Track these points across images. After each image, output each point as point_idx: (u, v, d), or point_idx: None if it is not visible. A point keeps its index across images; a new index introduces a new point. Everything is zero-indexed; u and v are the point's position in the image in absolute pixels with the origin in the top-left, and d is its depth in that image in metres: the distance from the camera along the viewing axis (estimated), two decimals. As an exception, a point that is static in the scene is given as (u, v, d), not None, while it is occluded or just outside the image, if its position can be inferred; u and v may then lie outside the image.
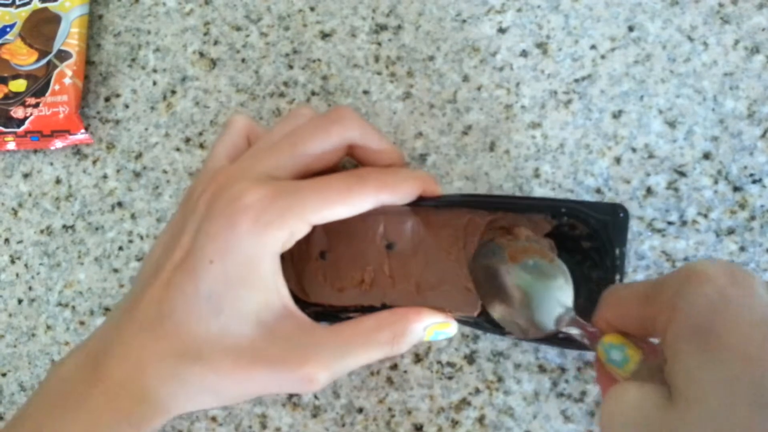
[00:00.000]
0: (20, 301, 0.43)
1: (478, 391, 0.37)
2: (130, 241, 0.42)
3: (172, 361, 0.30)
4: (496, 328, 0.34)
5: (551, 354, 0.37)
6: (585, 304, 0.35)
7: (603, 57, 0.39)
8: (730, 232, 0.36)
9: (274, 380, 0.30)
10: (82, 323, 0.42)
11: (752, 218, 0.36)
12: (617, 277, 0.33)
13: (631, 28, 0.39)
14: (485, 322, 0.34)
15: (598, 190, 0.38)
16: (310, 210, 0.30)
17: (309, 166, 0.32)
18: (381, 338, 0.31)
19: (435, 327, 0.33)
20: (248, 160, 0.32)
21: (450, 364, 0.37)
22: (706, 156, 0.37)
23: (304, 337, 0.31)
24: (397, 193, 0.32)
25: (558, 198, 0.38)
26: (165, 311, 0.30)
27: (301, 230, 0.31)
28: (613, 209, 0.34)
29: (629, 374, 0.27)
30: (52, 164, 0.45)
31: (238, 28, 0.44)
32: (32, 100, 0.43)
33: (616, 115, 0.38)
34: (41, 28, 0.44)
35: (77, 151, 0.44)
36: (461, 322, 0.34)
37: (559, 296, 0.31)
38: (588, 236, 0.35)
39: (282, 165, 0.32)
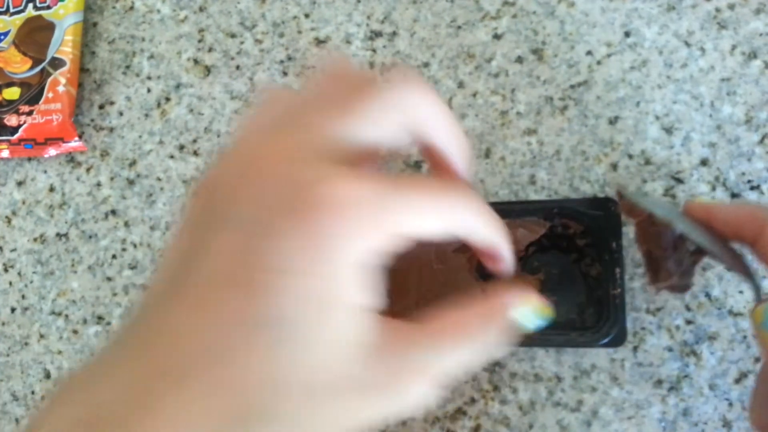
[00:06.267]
0: (13, 310, 0.43)
1: (473, 400, 0.36)
2: (124, 250, 0.42)
3: (232, 425, 0.21)
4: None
5: (547, 363, 0.36)
6: (586, 300, 0.35)
7: (599, 63, 0.39)
8: (728, 239, 0.36)
9: (375, 412, 0.23)
10: (75, 332, 0.42)
11: (750, 225, 0.36)
12: (617, 270, 0.33)
13: (627, 34, 0.39)
14: None
15: (595, 197, 0.37)
16: (408, 220, 0.23)
17: (365, 150, 0.24)
18: (475, 336, 0.25)
19: (531, 310, 0.26)
20: (299, 132, 0.24)
21: (445, 374, 0.37)
22: (704, 162, 0.37)
23: (396, 350, 0.23)
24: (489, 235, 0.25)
25: (549, 199, 0.38)
26: (212, 351, 0.21)
27: (394, 243, 0.23)
28: (604, 203, 0.34)
29: None
30: (45, 172, 0.44)
31: (233, 35, 0.44)
32: (26, 108, 0.43)
33: (613, 122, 0.38)
34: (35, 35, 0.44)
35: (71, 158, 0.44)
36: None
37: None
38: (582, 233, 0.35)
39: (343, 143, 0.23)
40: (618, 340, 0.33)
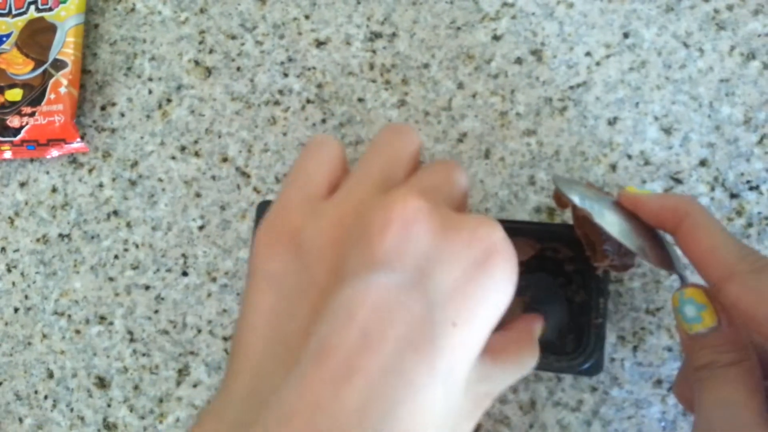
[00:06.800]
0: (16, 310, 0.43)
1: (473, 400, 0.37)
2: (126, 250, 0.42)
3: None
4: None
5: (547, 363, 0.36)
6: (568, 326, 0.35)
7: (598, 64, 0.39)
8: (727, 239, 0.36)
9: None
10: (77, 332, 0.42)
11: (749, 225, 0.36)
12: (601, 300, 0.33)
13: (626, 35, 0.39)
14: None
15: (594, 198, 0.38)
16: None
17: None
18: (525, 359, 0.27)
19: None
20: (420, 183, 0.25)
21: (445, 373, 0.37)
22: (703, 163, 0.37)
23: (481, 380, 0.24)
24: None
25: (542, 222, 0.38)
26: (367, 418, 0.19)
27: None
28: None
29: (690, 333, 0.27)
30: (48, 173, 0.45)
31: (233, 37, 0.44)
32: (28, 110, 0.43)
33: (612, 122, 0.38)
34: (37, 37, 0.44)
35: (73, 159, 0.44)
36: None
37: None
38: (571, 259, 0.34)
39: (458, 196, 0.26)
40: (594, 370, 0.33)
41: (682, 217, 0.27)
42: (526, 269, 0.35)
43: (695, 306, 0.27)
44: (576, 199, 0.29)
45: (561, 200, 0.32)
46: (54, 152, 0.44)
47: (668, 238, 0.30)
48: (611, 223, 0.28)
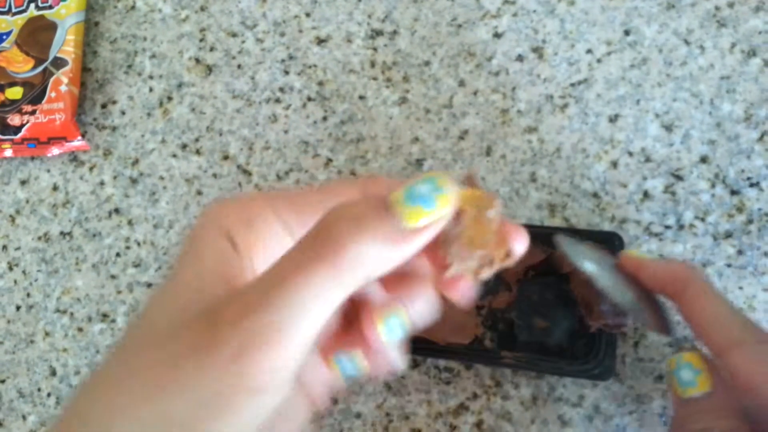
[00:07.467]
0: (18, 308, 0.43)
1: (475, 396, 0.37)
2: (128, 248, 0.42)
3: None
4: (488, 356, 0.35)
5: (549, 359, 0.36)
6: (579, 330, 0.35)
7: (599, 61, 0.39)
8: (728, 235, 0.36)
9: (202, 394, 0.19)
10: (80, 329, 0.42)
11: (750, 221, 0.36)
12: None
13: (627, 32, 0.39)
14: (477, 351, 0.35)
15: (595, 194, 0.38)
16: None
17: None
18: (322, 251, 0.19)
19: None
20: None
21: (448, 369, 0.37)
22: (703, 160, 0.37)
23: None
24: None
25: (554, 226, 0.38)
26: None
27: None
28: (609, 237, 0.34)
29: (684, 397, 0.28)
30: (49, 171, 0.45)
31: (234, 35, 0.44)
32: (29, 108, 0.43)
33: (613, 119, 0.38)
34: (37, 35, 0.44)
35: (74, 157, 0.44)
36: (453, 352, 0.36)
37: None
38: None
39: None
40: (605, 375, 0.33)
41: (685, 284, 0.28)
42: (537, 272, 0.36)
43: (692, 371, 0.28)
44: (581, 264, 0.29)
45: (564, 261, 0.33)
46: (55, 150, 0.44)
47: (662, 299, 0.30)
48: (612, 287, 0.29)
